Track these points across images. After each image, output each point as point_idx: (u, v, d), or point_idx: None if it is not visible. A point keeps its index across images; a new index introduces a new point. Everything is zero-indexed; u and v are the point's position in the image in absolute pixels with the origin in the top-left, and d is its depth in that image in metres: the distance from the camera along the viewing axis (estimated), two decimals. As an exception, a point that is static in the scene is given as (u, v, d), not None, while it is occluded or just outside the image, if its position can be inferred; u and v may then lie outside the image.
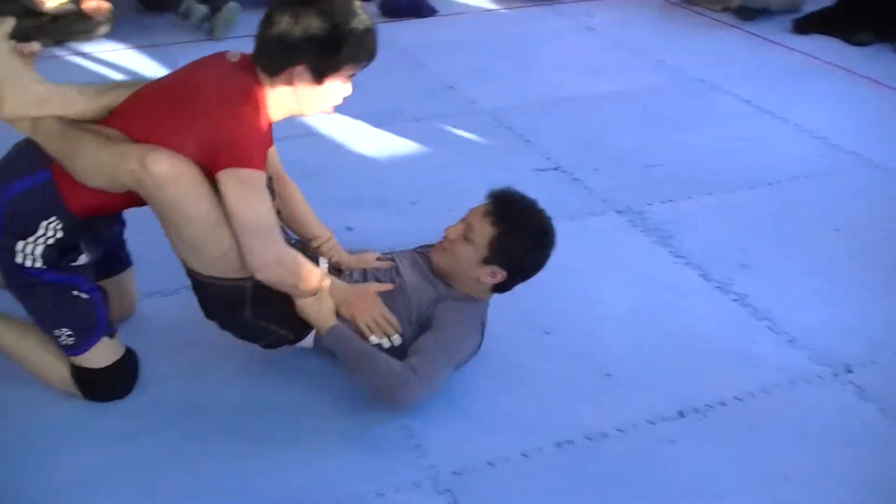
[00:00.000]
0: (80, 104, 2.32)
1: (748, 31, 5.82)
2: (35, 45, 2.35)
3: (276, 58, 2.27)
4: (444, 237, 2.61)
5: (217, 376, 2.58)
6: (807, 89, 4.85)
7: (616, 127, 4.32)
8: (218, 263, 2.31)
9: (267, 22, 2.27)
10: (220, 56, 2.40)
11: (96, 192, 2.27)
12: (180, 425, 2.41)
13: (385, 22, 6.04)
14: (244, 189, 2.21)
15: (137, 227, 2.66)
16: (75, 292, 2.37)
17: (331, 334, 2.41)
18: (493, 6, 6.44)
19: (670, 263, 3.19)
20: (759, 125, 4.38)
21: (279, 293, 2.37)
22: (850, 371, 2.66)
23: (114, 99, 2.34)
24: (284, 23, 2.23)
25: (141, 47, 5.45)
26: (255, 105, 2.28)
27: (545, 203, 3.55)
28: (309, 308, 2.40)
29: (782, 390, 2.59)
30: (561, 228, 3.21)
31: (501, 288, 2.62)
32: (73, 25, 5.48)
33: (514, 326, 2.83)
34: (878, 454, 2.39)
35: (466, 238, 2.53)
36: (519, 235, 2.55)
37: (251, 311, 2.40)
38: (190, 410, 2.46)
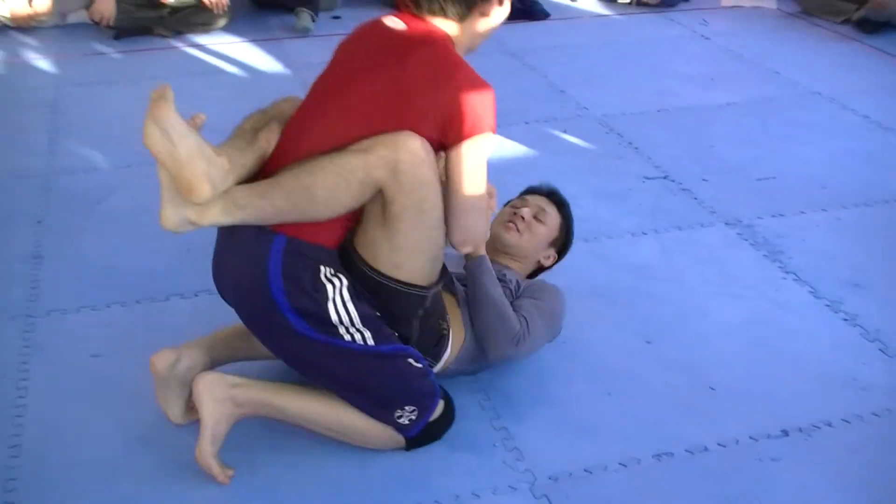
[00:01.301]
0: (249, 156, 2.16)
1: (869, 45, 5.66)
2: (201, 117, 2.12)
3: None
4: (516, 216, 2.70)
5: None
6: (929, 106, 4.70)
7: (728, 138, 4.25)
8: (423, 268, 2.21)
9: None
10: (380, 28, 2.26)
11: (326, 226, 2.14)
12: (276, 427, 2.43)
13: (497, 24, 6.05)
14: (482, 159, 2.20)
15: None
16: (410, 360, 2.24)
17: (481, 262, 2.44)
18: (606, 12, 6.40)
19: (779, 279, 3.13)
20: (876, 141, 4.25)
21: (442, 307, 2.38)
22: (964, 399, 2.58)
23: (269, 136, 2.22)
24: None
25: (256, 41, 5.58)
26: (461, 60, 2.20)
27: (652, 211, 3.55)
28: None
29: (893, 415, 2.51)
30: (668, 238, 3.19)
31: (536, 273, 2.80)
32: (192, 17, 5.64)
33: (617, 334, 2.81)
34: None
35: (538, 219, 2.71)
36: (570, 227, 2.81)
37: (419, 323, 2.29)
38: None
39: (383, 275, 2.18)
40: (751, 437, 2.41)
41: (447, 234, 2.25)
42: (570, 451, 2.35)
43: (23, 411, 2.47)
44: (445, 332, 2.40)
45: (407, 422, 2.25)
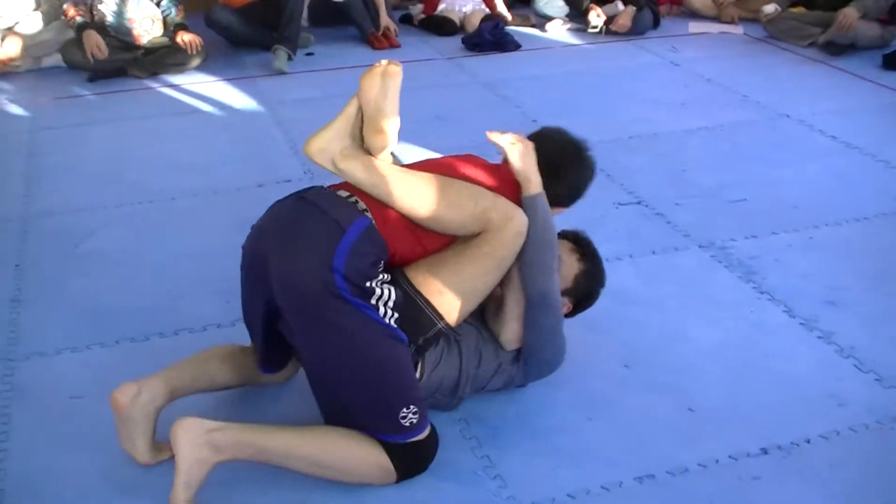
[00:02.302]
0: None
1: (835, 67, 5.76)
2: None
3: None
4: None
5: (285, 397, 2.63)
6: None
7: (700, 162, 4.31)
8: (456, 309, 2.35)
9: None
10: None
11: (404, 237, 2.34)
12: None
13: (468, 56, 6.12)
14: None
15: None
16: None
17: (541, 198, 2.47)
18: (576, 41, 6.48)
19: (754, 299, 3.17)
20: (846, 161, 4.32)
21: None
22: (940, 412, 2.61)
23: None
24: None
25: (230, 79, 5.61)
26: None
27: (627, 237, 3.59)
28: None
29: (870, 430, 2.54)
30: (643, 262, 3.22)
31: None
32: (166, 58, 5.68)
33: (597, 359, 2.83)
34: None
35: None
36: (595, 279, 2.72)
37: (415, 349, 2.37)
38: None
39: (420, 294, 2.32)
40: (731, 457, 2.43)
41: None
42: (552, 477, 2.37)
43: (4, 455, 2.46)
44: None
45: (409, 424, 2.25)
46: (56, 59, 5.76)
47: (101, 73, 5.56)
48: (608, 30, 6.52)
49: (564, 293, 2.61)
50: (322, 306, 2.18)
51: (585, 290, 2.70)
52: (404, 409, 2.23)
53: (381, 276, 2.26)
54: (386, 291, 2.25)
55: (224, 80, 5.63)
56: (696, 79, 5.61)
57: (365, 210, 2.29)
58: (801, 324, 3.02)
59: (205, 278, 3.10)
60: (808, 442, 2.49)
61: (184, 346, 2.89)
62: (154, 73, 5.65)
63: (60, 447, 2.49)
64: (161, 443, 2.38)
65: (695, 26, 6.76)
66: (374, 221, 2.27)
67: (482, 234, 2.36)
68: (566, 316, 2.67)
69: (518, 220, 2.37)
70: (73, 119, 4.98)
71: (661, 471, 2.39)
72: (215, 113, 5.09)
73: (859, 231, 3.64)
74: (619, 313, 3.03)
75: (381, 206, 2.32)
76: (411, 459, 2.30)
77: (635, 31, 6.50)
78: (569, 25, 6.74)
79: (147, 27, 5.66)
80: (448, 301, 2.33)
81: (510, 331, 2.51)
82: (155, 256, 3.44)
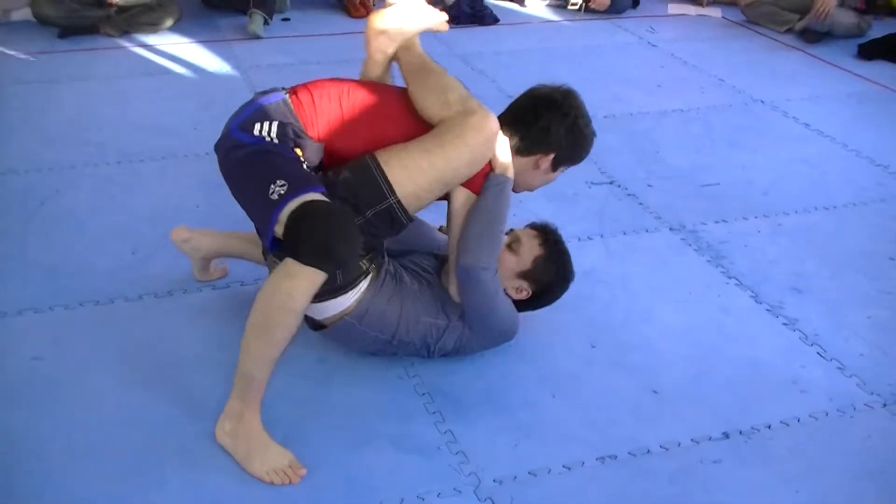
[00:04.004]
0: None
1: (811, 55, 5.78)
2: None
3: (535, 142, 2.58)
4: None
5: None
6: (868, 115, 4.80)
7: (673, 144, 4.31)
8: (412, 192, 2.38)
9: (533, 114, 2.60)
10: None
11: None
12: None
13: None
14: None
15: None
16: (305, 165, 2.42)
17: (505, 182, 2.53)
18: (555, 18, 6.45)
19: (721, 284, 3.18)
20: (817, 149, 4.34)
21: (382, 253, 2.56)
22: (900, 402, 2.64)
23: None
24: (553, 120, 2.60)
25: (204, 42, 5.54)
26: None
27: (598, 216, 3.59)
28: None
29: (830, 417, 2.56)
30: (613, 242, 3.22)
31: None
32: (140, 17, 5.59)
33: (563, 337, 2.83)
34: (925, 487, 2.37)
35: (511, 248, 2.65)
36: (558, 265, 2.69)
37: (365, 222, 2.38)
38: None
39: (376, 160, 2.37)
40: (692, 440, 2.44)
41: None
42: (514, 454, 2.37)
43: (-38, 415, 2.43)
44: (365, 270, 2.45)
45: (276, 196, 2.23)
46: (26, 14, 5.65)
47: (71, 30, 5.47)
48: (587, 7, 6.50)
49: (522, 276, 2.64)
50: (224, 150, 2.44)
51: (545, 277, 2.66)
52: (272, 186, 2.25)
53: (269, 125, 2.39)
54: (267, 124, 2.37)
55: (198, 41, 5.55)
56: (672, 60, 5.61)
57: (286, 92, 2.46)
58: (767, 310, 3.03)
59: (171, 242, 3.06)
60: (769, 427, 2.50)
61: (148, 310, 2.87)
62: (126, 32, 5.56)
63: (21, 407, 2.46)
64: (213, 269, 3.01)
65: (674, 7, 6.76)
66: (289, 99, 2.43)
67: (445, 121, 2.42)
68: (526, 303, 2.69)
69: (482, 117, 2.41)
70: (41, 75, 4.89)
71: (624, 451, 2.40)
72: (187, 75, 5.03)
73: (827, 219, 3.66)
74: (587, 292, 3.03)
75: (311, 96, 2.45)
76: (291, 231, 2.21)
77: (614, 9, 6.49)
78: (548, 1, 6.70)
79: (120, -16, 5.54)
80: (399, 172, 2.36)
81: (452, 284, 2.55)
82: (121, 218, 3.40)
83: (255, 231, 2.63)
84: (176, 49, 5.41)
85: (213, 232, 2.93)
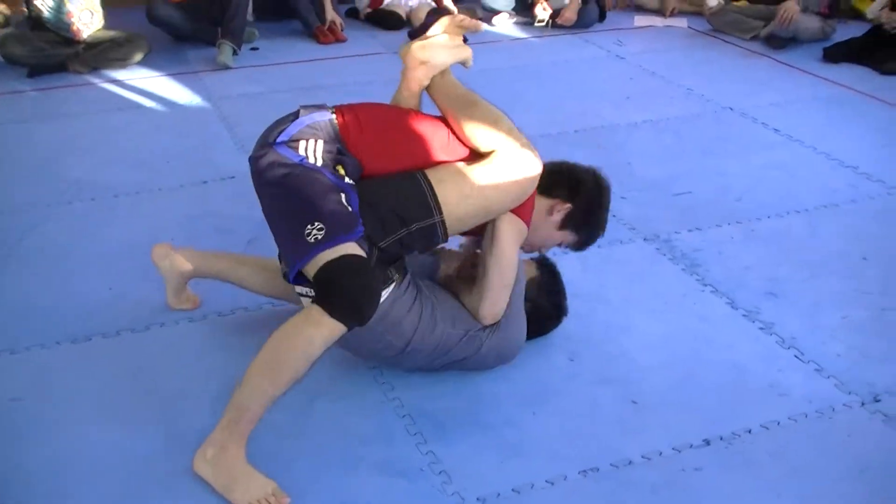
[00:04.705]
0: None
1: (777, 60, 5.84)
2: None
3: (561, 186, 2.71)
4: None
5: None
6: (836, 118, 4.85)
7: (645, 155, 4.34)
8: (457, 212, 2.43)
9: (572, 169, 2.79)
10: None
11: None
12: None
13: (415, 50, 6.09)
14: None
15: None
16: (344, 199, 2.36)
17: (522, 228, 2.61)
18: (522, 35, 6.50)
19: (697, 291, 3.20)
20: (787, 154, 4.38)
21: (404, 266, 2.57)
22: (877, 400, 2.65)
23: None
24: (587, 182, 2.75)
25: (173, 74, 5.55)
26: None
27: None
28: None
29: (809, 419, 2.58)
30: (588, 256, 3.23)
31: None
32: (108, 53, 5.59)
33: (541, 352, 2.84)
34: (906, 484, 2.38)
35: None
36: (550, 291, 2.87)
37: (398, 240, 2.42)
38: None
39: (427, 178, 2.43)
40: (674, 449, 2.45)
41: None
42: (497, 472, 2.37)
43: (-59, 459, 2.42)
44: (391, 279, 2.46)
45: (313, 240, 2.23)
46: (-6, 54, 5.65)
47: (40, 68, 5.46)
48: (554, 23, 6.55)
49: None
50: (258, 164, 2.40)
51: (537, 299, 2.79)
52: (309, 227, 2.25)
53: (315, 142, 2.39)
54: (313, 142, 2.38)
55: (167, 74, 5.56)
56: (640, 72, 5.65)
57: (332, 111, 2.48)
58: (744, 315, 3.05)
59: (147, 276, 3.05)
60: (750, 432, 2.52)
61: (126, 346, 2.86)
62: (95, 68, 5.56)
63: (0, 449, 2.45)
64: (187, 294, 2.99)
65: (640, 20, 6.82)
66: (335, 120, 2.45)
67: (498, 153, 2.49)
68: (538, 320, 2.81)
69: (533, 156, 2.50)
70: (12, 115, 4.89)
71: (606, 463, 2.40)
72: (158, 108, 5.03)
73: (800, 223, 3.69)
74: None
75: (357, 119, 2.48)
76: (324, 281, 2.24)
77: (581, 24, 6.54)
78: (515, 19, 6.75)
79: (86, 20, 5.50)
80: (450, 194, 2.42)
81: (472, 295, 2.63)
82: (96, 254, 3.39)
83: (230, 251, 2.66)
84: (146, 83, 5.41)
85: (192, 251, 2.95)
